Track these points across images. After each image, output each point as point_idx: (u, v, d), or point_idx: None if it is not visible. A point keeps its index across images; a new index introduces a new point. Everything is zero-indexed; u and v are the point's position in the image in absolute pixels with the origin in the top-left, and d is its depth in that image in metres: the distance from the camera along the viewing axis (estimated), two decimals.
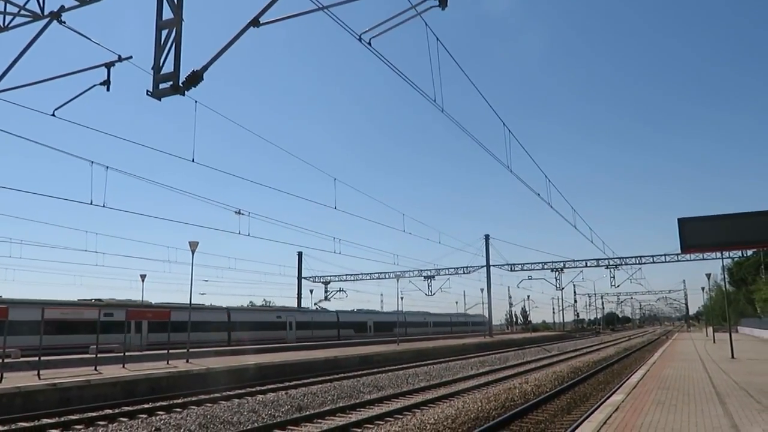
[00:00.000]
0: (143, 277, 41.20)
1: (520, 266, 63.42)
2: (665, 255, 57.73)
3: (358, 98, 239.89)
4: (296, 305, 62.41)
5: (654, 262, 59.04)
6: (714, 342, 39.76)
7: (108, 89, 9.06)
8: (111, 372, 19.06)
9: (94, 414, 14.29)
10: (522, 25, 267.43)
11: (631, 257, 60.22)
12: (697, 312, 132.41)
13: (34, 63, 11.61)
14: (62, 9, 8.49)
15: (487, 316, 70.65)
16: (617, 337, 79.61)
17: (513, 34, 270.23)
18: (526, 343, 53.28)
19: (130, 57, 9.09)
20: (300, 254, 65.81)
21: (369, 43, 8.40)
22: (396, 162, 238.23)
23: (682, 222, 12.24)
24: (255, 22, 7.22)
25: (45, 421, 13.61)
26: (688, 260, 57.31)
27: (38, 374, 17.60)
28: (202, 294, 61.75)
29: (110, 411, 14.84)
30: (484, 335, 62.71)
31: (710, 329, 55.09)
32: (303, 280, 65.97)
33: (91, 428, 12.91)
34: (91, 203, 18.95)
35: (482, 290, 67.65)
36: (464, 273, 63.97)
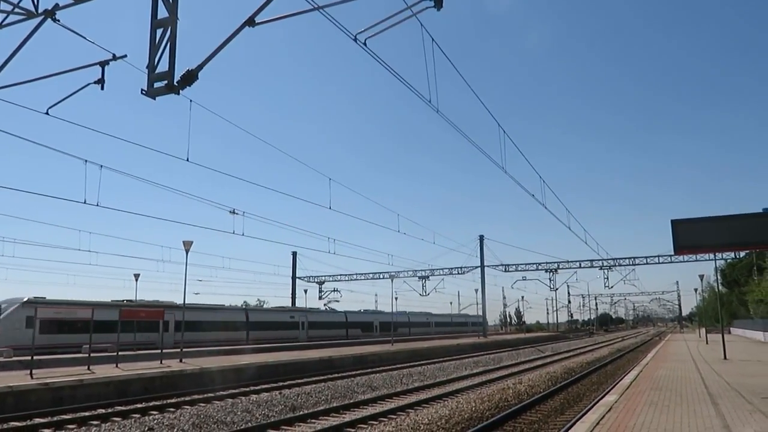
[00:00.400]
0: (137, 276, 41.05)
1: (514, 267, 63.56)
2: (659, 256, 58.04)
3: (354, 98, 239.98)
4: (290, 305, 62.39)
5: (647, 264, 59.33)
6: (707, 343, 39.95)
7: (102, 88, 9.02)
8: (104, 372, 18.99)
9: (86, 414, 14.25)
10: (520, 26, 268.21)
11: (625, 258, 60.49)
12: (690, 313, 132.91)
13: (28, 61, 11.56)
14: (56, 7, 8.44)
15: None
16: (611, 338, 79.88)
17: (511, 35, 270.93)
18: (520, 344, 53.40)
19: (125, 56, 9.06)
20: (294, 254, 65.82)
21: (364, 44, 8.40)
22: (391, 162, 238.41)
23: (675, 223, 12.31)
24: (250, 22, 7.21)
25: (37, 420, 13.56)
26: (681, 261, 57.59)
27: (30, 374, 17.52)
28: (196, 294, 61.49)
29: (103, 411, 14.80)
30: (478, 336, 62.84)
31: (703, 330, 55.32)
32: (297, 280, 65.97)
33: (83, 428, 12.87)
34: (84, 202, 18.93)
35: (477, 291, 67.83)
36: (459, 273, 64.11)
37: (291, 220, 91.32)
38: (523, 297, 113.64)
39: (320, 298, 67.57)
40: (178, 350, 25.14)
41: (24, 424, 13.02)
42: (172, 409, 15.06)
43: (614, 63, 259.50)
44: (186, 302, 27.05)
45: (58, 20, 8.50)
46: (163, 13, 7.01)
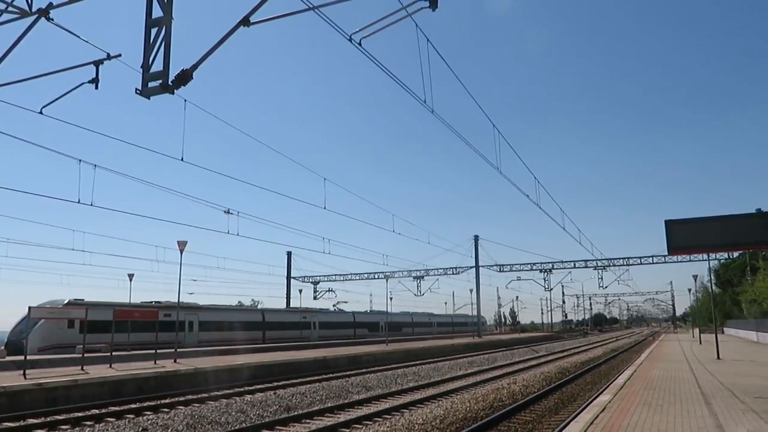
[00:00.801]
0: (131, 276, 40.92)
1: (509, 267, 63.61)
2: (653, 256, 58.20)
3: (349, 98, 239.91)
4: (285, 305, 62.34)
5: (641, 264, 59.44)
6: (700, 343, 40.12)
7: (96, 87, 9.00)
8: (98, 372, 18.92)
9: (80, 414, 14.20)
10: (518, 28, 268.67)
11: (619, 258, 60.57)
12: (684, 313, 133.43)
13: (21, 60, 11.54)
14: (50, 6, 8.41)
15: (483, 316, 71.47)
16: (605, 338, 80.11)
17: (509, 38, 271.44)
18: (515, 344, 53.48)
19: (119, 55, 9.04)
20: (289, 254, 65.76)
21: (359, 44, 8.41)
22: (386, 162, 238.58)
23: (669, 223, 12.34)
24: (245, 22, 7.20)
25: (31, 421, 13.49)
26: (675, 262, 57.80)
27: (24, 374, 17.44)
28: (191, 293, 61.28)
29: (97, 411, 14.74)
30: (473, 336, 62.94)
31: (696, 330, 55.56)
32: (292, 279, 65.88)
33: (77, 428, 12.82)
34: (78, 202, 18.88)
35: (471, 291, 67.94)
36: (453, 273, 64.19)
37: (286, 220, 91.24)
38: (517, 297, 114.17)
39: (315, 298, 67.58)
40: (201, 349, 26.40)
41: (17, 424, 12.95)
42: (166, 410, 15.01)
43: (609, 65, 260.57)
44: (207, 304, 28.41)
45: (52, 19, 8.47)
46: (157, 12, 7.00)
